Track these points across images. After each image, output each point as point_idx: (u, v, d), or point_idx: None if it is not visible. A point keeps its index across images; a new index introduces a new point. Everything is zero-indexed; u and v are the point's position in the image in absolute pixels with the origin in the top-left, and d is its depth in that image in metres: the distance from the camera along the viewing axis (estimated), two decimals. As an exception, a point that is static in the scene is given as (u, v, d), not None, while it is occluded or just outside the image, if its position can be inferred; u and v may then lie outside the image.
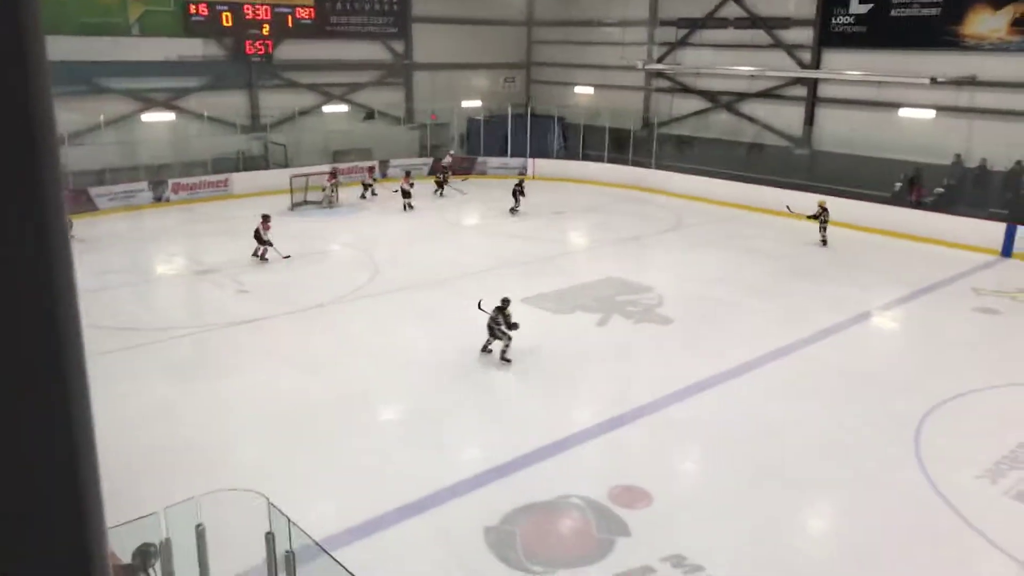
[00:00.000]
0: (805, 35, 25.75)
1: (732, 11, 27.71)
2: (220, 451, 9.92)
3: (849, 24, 24.53)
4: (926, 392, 11.67)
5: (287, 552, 6.37)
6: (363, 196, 25.29)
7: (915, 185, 21.88)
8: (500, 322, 12.40)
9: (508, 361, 12.48)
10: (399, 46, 31.10)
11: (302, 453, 9.82)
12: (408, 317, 14.76)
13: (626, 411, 10.98)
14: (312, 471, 9.42)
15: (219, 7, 25.96)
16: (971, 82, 21.62)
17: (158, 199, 24.07)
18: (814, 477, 9.54)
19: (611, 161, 29.05)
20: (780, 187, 23.78)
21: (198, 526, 6.37)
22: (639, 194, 26.95)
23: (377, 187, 25.62)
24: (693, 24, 29.00)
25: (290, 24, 27.67)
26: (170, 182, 24.38)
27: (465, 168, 28.76)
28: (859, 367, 12.72)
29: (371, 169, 27.11)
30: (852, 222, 21.47)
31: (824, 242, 20.28)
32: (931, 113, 22.48)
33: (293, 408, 10.97)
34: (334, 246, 19.81)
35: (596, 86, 32.35)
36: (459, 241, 21.20)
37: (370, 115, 30.66)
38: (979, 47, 21.70)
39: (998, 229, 19.65)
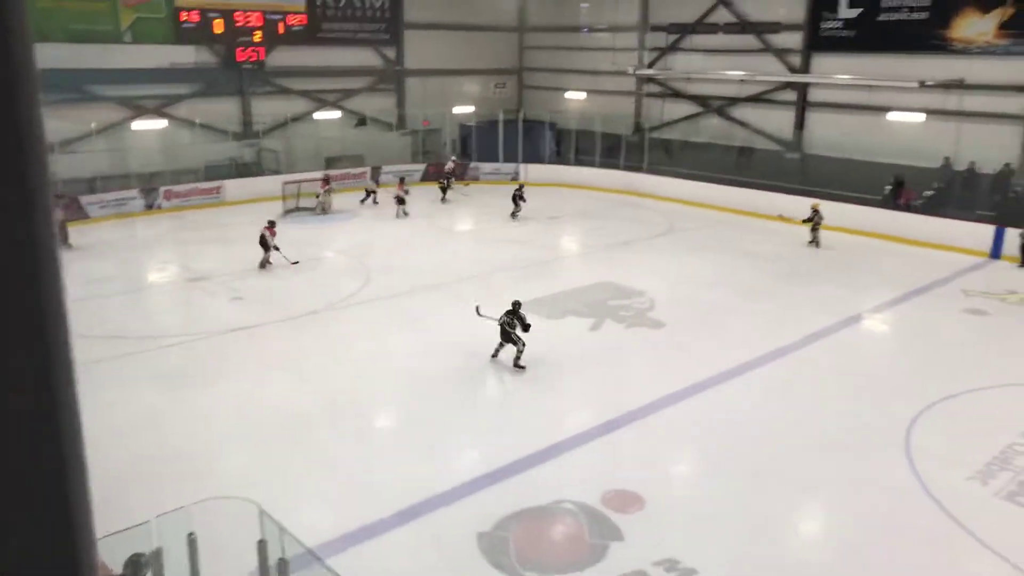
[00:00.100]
0: (795, 40, 25.91)
1: (722, 16, 27.86)
2: (210, 459, 9.89)
3: (838, 28, 24.68)
4: (918, 393, 11.73)
5: (280, 560, 6.35)
6: (363, 201, 25.25)
7: (901, 189, 22.01)
8: (515, 325, 12.35)
9: (522, 368, 12.41)
10: (391, 52, 31.14)
11: (294, 460, 9.79)
12: (401, 323, 14.75)
13: (618, 415, 10.99)
14: (304, 478, 9.40)
15: (210, 14, 25.95)
16: (959, 85, 21.78)
17: (150, 207, 24.00)
18: (806, 479, 9.57)
19: (603, 166, 29.13)
20: (771, 191, 23.92)
21: (190, 535, 6.35)
22: (631, 199, 27.02)
23: (379, 193, 25.52)
24: (684, 29, 29.13)
25: (282, 31, 27.68)
26: (162, 189, 24.32)
27: (460, 174, 28.77)
28: (851, 369, 12.78)
29: (376, 176, 26.98)
30: (844, 225, 21.58)
31: (816, 244, 20.43)
32: (920, 116, 22.62)
33: (285, 415, 10.95)
34: (327, 253, 19.79)
35: (588, 91, 32.45)
36: (452, 247, 21.21)
37: (362, 121, 30.67)
38: (967, 51, 21.87)
39: (987, 231, 19.78)
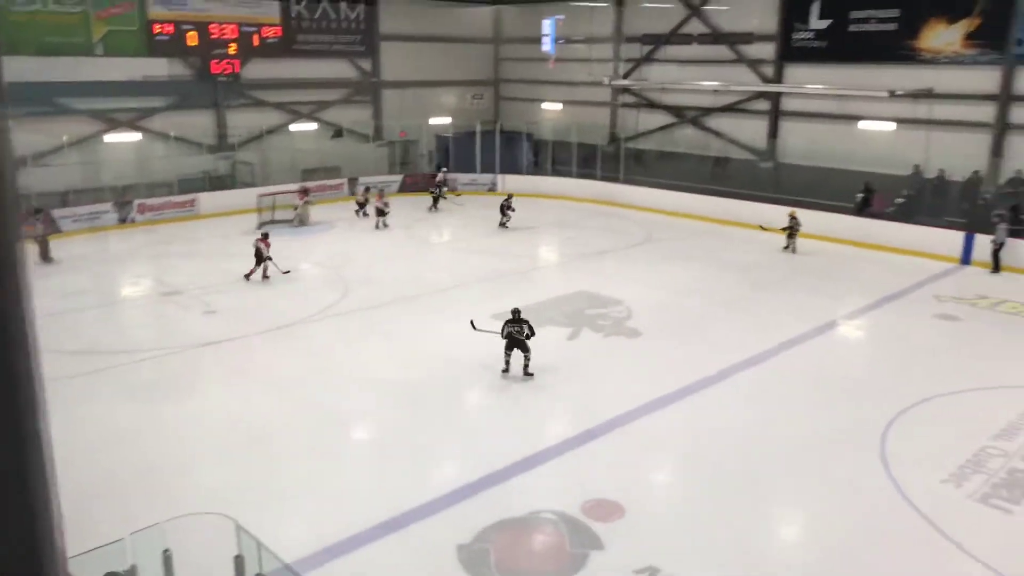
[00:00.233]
0: (767, 50, 26.25)
1: (696, 27, 28.16)
2: (184, 474, 9.75)
3: (809, 39, 25.05)
4: (892, 398, 11.86)
5: (257, 575, 6.28)
6: (357, 213, 25.13)
7: (870, 197, 22.34)
8: (525, 331, 12.29)
9: (531, 375, 12.41)
10: (367, 64, 31.12)
11: (270, 474, 9.69)
12: (378, 335, 14.68)
13: (597, 424, 11.01)
14: (281, 492, 9.30)
15: (184, 26, 25.78)
16: (928, 95, 22.16)
17: (123, 220, 23.73)
18: (785, 485, 9.65)
19: (580, 176, 29.25)
20: (746, 200, 24.16)
21: (165, 551, 6.26)
22: (608, 208, 27.16)
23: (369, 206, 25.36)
24: (658, 40, 29.40)
25: (257, 43, 27.56)
26: (136, 203, 24.06)
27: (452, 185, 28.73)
28: (827, 375, 12.91)
29: (366, 188, 26.48)
30: (818, 233, 21.83)
31: (793, 249, 20.80)
32: (891, 125, 22.99)
33: (260, 429, 10.84)
34: (304, 265, 19.66)
35: (564, 102, 32.63)
36: (430, 258, 21.19)
37: (338, 133, 30.59)
38: (935, 60, 22.29)
39: (957, 237, 20.11)
